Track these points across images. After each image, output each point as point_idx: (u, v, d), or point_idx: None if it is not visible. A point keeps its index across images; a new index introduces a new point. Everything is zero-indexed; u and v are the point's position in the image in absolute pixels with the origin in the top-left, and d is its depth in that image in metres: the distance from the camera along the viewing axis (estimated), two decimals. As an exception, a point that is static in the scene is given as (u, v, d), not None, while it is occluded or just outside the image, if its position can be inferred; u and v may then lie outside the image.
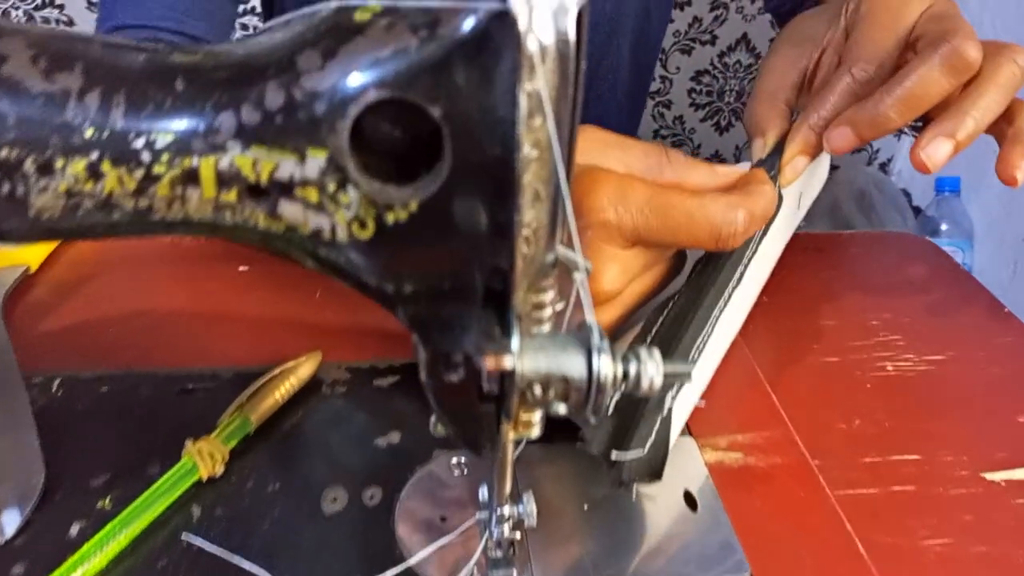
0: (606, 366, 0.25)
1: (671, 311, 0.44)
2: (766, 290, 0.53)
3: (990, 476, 0.44)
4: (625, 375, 0.26)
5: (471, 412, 0.28)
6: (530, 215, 0.24)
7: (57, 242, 0.57)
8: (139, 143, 0.22)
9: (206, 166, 0.22)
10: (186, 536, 0.37)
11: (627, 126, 0.88)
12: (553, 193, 0.24)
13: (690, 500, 0.40)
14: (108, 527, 0.37)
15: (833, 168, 1.44)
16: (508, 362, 0.22)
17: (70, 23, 1.56)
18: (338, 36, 0.22)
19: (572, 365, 0.25)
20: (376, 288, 0.25)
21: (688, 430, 0.45)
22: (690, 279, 0.46)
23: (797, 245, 0.56)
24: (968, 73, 0.44)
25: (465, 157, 0.22)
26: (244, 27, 1.57)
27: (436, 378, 0.26)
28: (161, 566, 0.36)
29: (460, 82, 0.21)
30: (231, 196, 0.23)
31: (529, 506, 0.35)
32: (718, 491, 0.41)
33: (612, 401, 0.40)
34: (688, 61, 1.62)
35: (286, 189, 0.22)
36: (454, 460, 0.41)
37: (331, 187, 0.22)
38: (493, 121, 0.21)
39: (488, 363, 0.22)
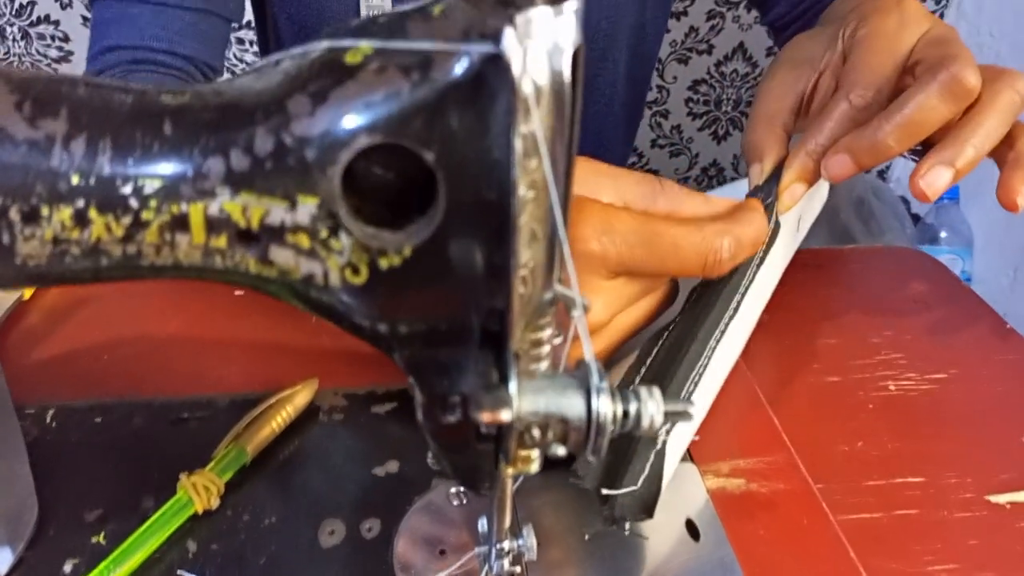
0: (605, 406, 0.25)
1: (666, 341, 0.43)
2: (766, 308, 0.53)
3: (995, 499, 0.43)
4: (625, 414, 0.25)
5: (469, 452, 0.27)
6: (527, 255, 0.23)
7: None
8: (126, 189, 0.21)
9: (195, 212, 0.22)
10: (181, 573, 0.37)
11: (624, 139, 0.88)
12: (550, 232, 0.24)
13: (692, 528, 0.40)
14: (102, 565, 0.36)
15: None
16: (505, 416, 0.21)
17: (65, 39, 1.56)
18: (329, 79, 0.21)
19: (571, 406, 0.25)
20: (370, 331, 0.24)
21: (689, 456, 0.44)
22: (685, 309, 0.45)
23: (797, 261, 0.56)
24: (967, 100, 0.43)
25: (460, 201, 0.21)
26: (240, 40, 1.57)
27: (433, 420, 0.26)
28: (156, 604, 0.36)
29: (454, 126, 0.20)
30: (221, 242, 0.22)
31: (529, 540, 0.34)
32: (720, 518, 0.40)
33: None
34: (685, 70, 1.61)
35: (277, 235, 0.22)
36: (453, 490, 0.41)
37: (323, 233, 0.22)
38: (488, 165, 0.21)
39: (485, 417, 0.21)
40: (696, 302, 0.45)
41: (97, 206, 0.21)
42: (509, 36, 0.19)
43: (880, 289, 0.61)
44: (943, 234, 1.45)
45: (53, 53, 1.58)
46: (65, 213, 0.21)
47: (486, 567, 0.35)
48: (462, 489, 0.41)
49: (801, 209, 0.52)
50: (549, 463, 0.31)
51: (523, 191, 0.22)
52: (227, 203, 0.22)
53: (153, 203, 0.21)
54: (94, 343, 0.52)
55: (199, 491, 0.39)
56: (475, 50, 0.20)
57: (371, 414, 0.47)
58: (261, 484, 0.42)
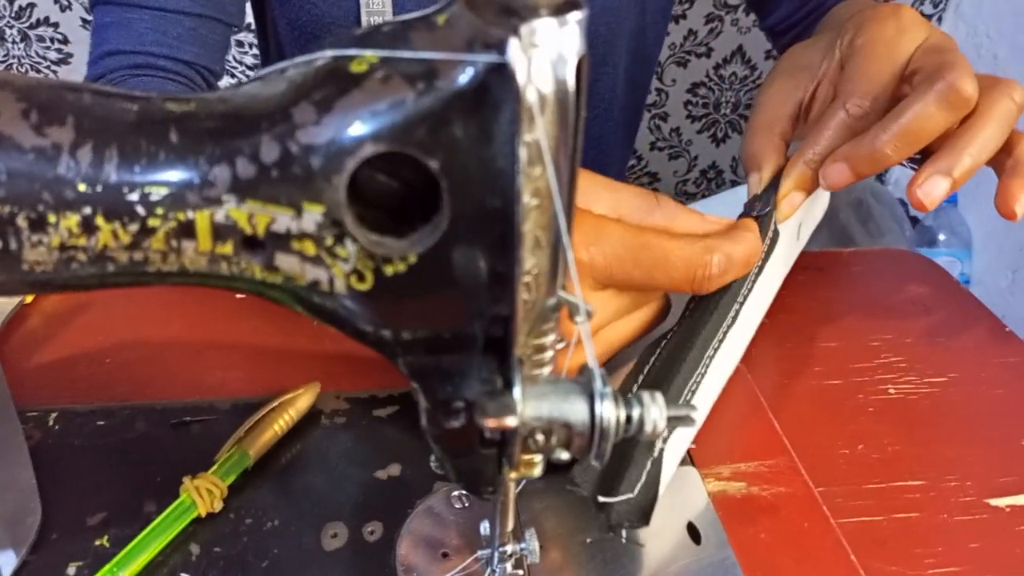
0: (609, 411, 0.25)
1: (664, 350, 0.44)
2: (767, 311, 0.53)
3: (995, 502, 0.43)
4: (628, 419, 0.26)
5: (472, 457, 0.27)
6: (531, 262, 0.23)
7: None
8: (133, 196, 0.21)
9: (201, 219, 0.22)
10: (184, 576, 0.37)
11: (623, 143, 0.88)
12: (554, 239, 0.24)
13: (693, 532, 0.40)
14: (106, 568, 0.36)
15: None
16: (510, 422, 0.22)
17: (65, 41, 1.56)
18: (334, 88, 0.21)
19: (575, 411, 0.25)
20: (374, 337, 0.24)
21: (691, 459, 0.44)
22: (684, 317, 0.45)
23: (797, 264, 0.56)
24: (965, 109, 0.43)
25: (464, 209, 0.21)
26: (240, 43, 1.57)
27: (437, 425, 0.26)
28: (159, 608, 0.36)
29: (458, 135, 0.21)
30: (227, 248, 0.22)
31: (531, 543, 0.35)
32: (721, 522, 0.41)
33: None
34: (684, 73, 1.62)
35: (283, 242, 0.22)
36: (455, 493, 0.41)
37: (328, 241, 0.22)
38: (492, 173, 0.21)
39: (490, 423, 0.21)
40: (695, 310, 0.45)
41: (104, 213, 0.21)
42: (514, 46, 0.19)
43: (880, 292, 0.61)
44: (942, 236, 1.45)
45: (52, 55, 1.58)
46: (72, 220, 0.21)
47: (488, 570, 0.36)
48: (464, 492, 0.41)
49: (801, 217, 0.52)
50: (551, 467, 0.31)
51: (527, 199, 0.22)
52: (233, 210, 0.22)
53: (159, 210, 0.22)
54: (96, 347, 0.53)
55: (202, 494, 0.39)
56: (480, 60, 0.20)
57: (373, 417, 0.47)
58: (263, 487, 0.42)
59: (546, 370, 0.28)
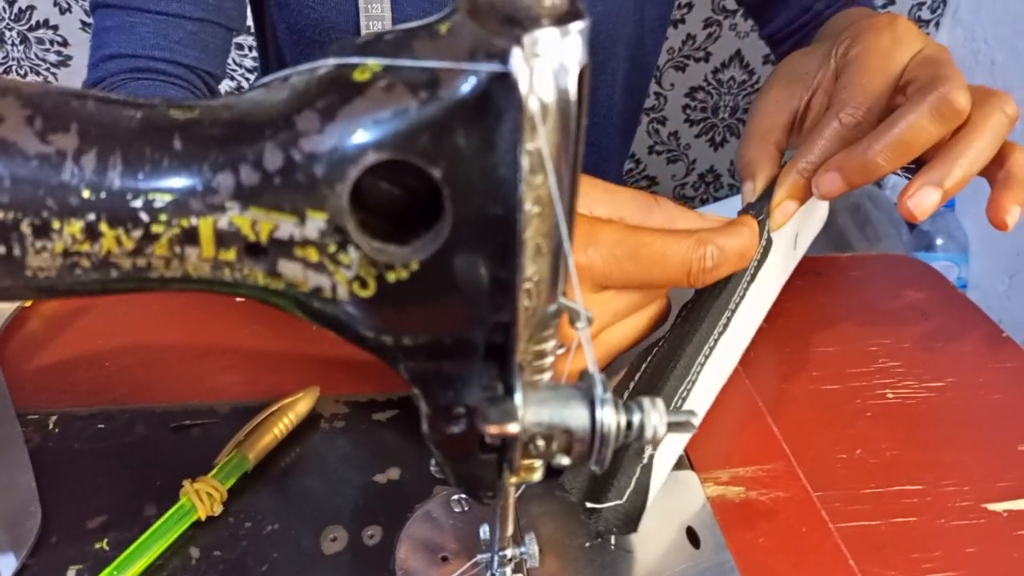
0: (609, 417, 0.25)
1: (654, 357, 0.44)
2: (764, 318, 0.53)
3: (992, 507, 0.43)
4: (628, 425, 0.26)
5: (473, 462, 0.27)
6: (532, 269, 0.24)
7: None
8: (137, 203, 0.22)
9: (205, 226, 0.22)
10: (184, 580, 0.37)
11: (621, 148, 0.88)
12: (555, 246, 0.24)
13: (692, 536, 0.40)
14: (106, 572, 0.36)
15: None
16: (512, 428, 0.22)
17: (64, 43, 1.56)
18: (337, 96, 0.21)
19: (575, 417, 0.25)
20: (375, 343, 0.24)
21: (689, 463, 0.44)
22: (675, 325, 0.46)
23: (795, 269, 0.56)
24: (957, 121, 0.44)
25: (466, 216, 0.21)
26: (239, 46, 1.57)
27: (438, 430, 0.26)
28: (159, 611, 0.36)
29: (461, 143, 0.21)
30: (230, 255, 0.23)
31: (531, 547, 0.35)
32: (720, 526, 0.41)
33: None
34: (682, 78, 1.62)
35: (286, 248, 0.22)
36: (454, 497, 0.41)
37: (331, 248, 0.22)
38: (495, 181, 0.21)
39: (492, 430, 0.21)
40: (686, 318, 0.45)
41: (107, 220, 0.21)
42: (516, 56, 0.20)
43: (877, 297, 0.62)
44: (939, 241, 1.46)
45: (52, 58, 1.58)
46: (76, 227, 0.21)
47: (488, 574, 0.36)
48: (463, 496, 0.41)
49: (797, 226, 0.52)
50: (550, 472, 0.31)
51: (529, 207, 0.22)
52: (236, 217, 0.22)
53: (163, 217, 0.22)
54: (96, 350, 0.53)
55: (202, 498, 0.39)
56: (483, 69, 0.20)
57: (372, 421, 0.47)
58: (263, 491, 0.42)
59: (546, 376, 0.28)
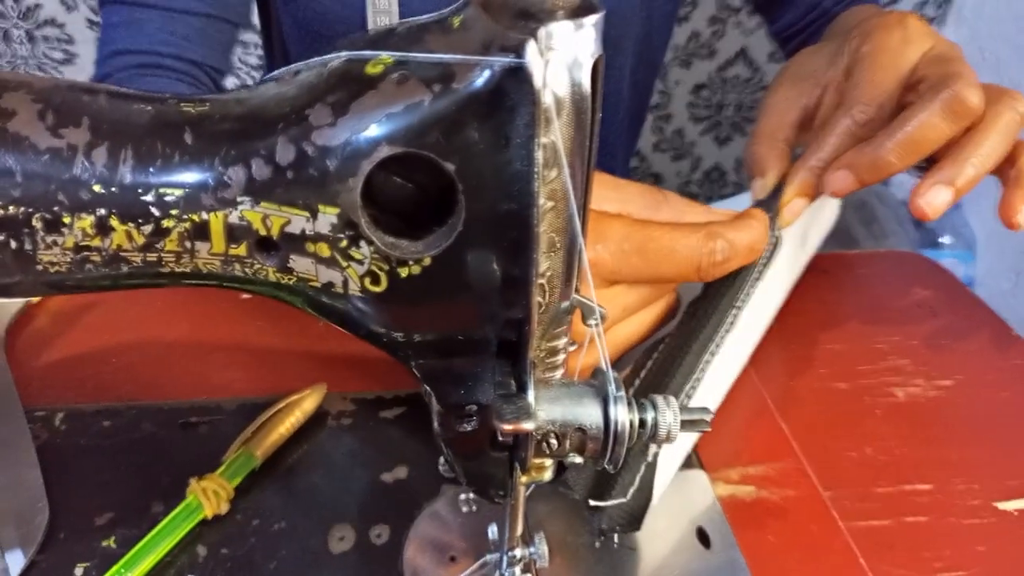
0: (623, 415, 0.25)
1: (660, 354, 0.43)
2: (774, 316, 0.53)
3: (1002, 505, 0.43)
4: (642, 423, 0.26)
5: (483, 460, 0.27)
6: (545, 264, 0.23)
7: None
8: (148, 198, 0.21)
9: (216, 220, 0.22)
10: (192, 578, 0.37)
11: (627, 145, 0.88)
12: (568, 242, 0.24)
13: (702, 535, 0.40)
14: (113, 569, 0.36)
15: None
16: (527, 426, 0.21)
17: (70, 41, 1.56)
18: (349, 90, 0.21)
19: (588, 415, 0.25)
20: (386, 339, 0.24)
21: (699, 462, 0.44)
22: (681, 322, 0.45)
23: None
24: (969, 119, 0.43)
25: (480, 212, 0.21)
26: (244, 44, 1.57)
27: (449, 428, 0.26)
28: (167, 609, 0.36)
29: (474, 137, 0.21)
30: (241, 250, 0.22)
31: (541, 547, 0.34)
32: (730, 525, 0.40)
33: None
34: (688, 75, 1.62)
35: (297, 243, 0.22)
36: (462, 496, 0.41)
37: (343, 243, 0.22)
38: (508, 176, 0.21)
39: (506, 428, 0.21)
40: (692, 315, 0.45)
41: (118, 215, 0.21)
42: (531, 49, 0.19)
43: (886, 294, 0.61)
44: (945, 238, 1.45)
45: (58, 55, 1.58)
46: (87, 221, 0.21)
47: (497, 574, 0.35)
48: (471, 495, 0.41)
49: (806, 225, 0.51)
50: (558, 470, 0.31)
51: (542, 201, 0.22)
52: (248, 212, 0.22)
53: (174, 212, 0.22)
54: (102, 347, 0.52)
55: (209, 496, 0.39)
56: (497, 62, 0.20)
57: (379, 419, 0.47)
58: (270, 489, 0.42)
59: (558, 373, 0.28)
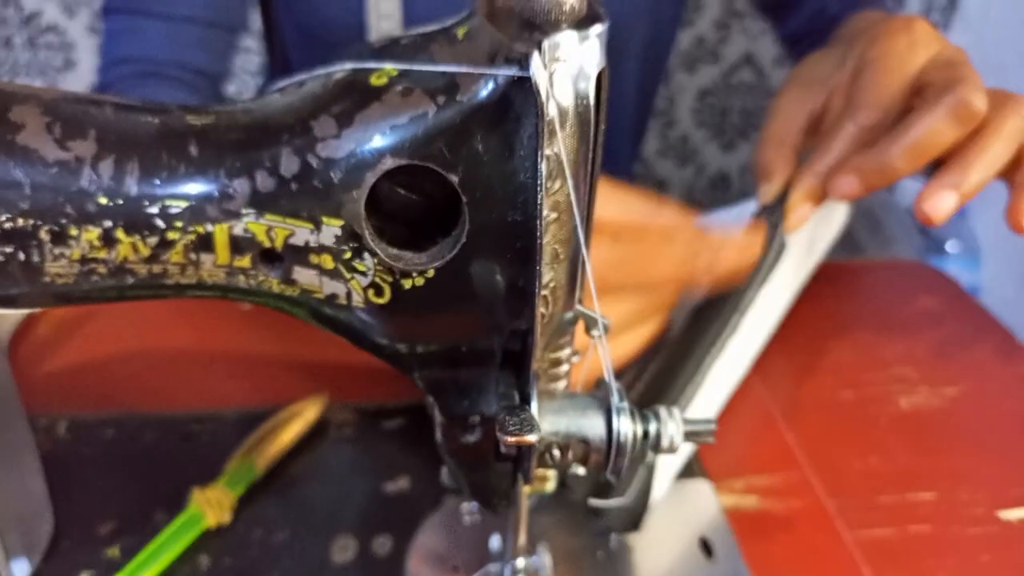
0: (626, 426, 0.25)
1: (662, 358, 0.43)
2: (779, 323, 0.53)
3: (1006, 515, 0.43)
4: (645, 434, 0.26)
5: (487, 471, 0.27)
6: (549, 275, 0.23)
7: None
8: (153, 210, 0.21)
9: (220, 232, 0.22)
10: (195, 587, 0.37)
11: (631, 149, 0.88)
12: (572, 253, 0.24)
13: (706, 546, 0.40)
14: (116, 579, 0.36)
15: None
16: (532, 438, 0.21)
17: (71, 47, 1.56)
18: (354, 101, 0.21)
19: (592, 427, 0.25)
20: (390, 351, 0.24)
21: (703, 472, 0.44)
22: (683, 327, 0.45)
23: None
24: (973, 123, 0.43)
25: (484, 223, 0.21)
26: (246, 50, 1.57)
27: (453, 439, 0.26)
28: (170, 618, 0.36)
29: (479, 149, 0.21)
30: (245, 261, 0.22)
31: (543, 558, 0.34)
32: (734, 535, 0.40)
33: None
34: (692, 80, 1.61)
35: (301, 255, 0.22)
36: (464, 507, 0.41)
37: (347, 254, 0.22)
38: (513, 187, 0.21)
39: (510, 440, 0.21)
40: (695, 320, 0.45)
41: (124, 227, 0.21)
42: (536, 60, 0.19)
43: (891, 303, 0.61)
44: (951, 244, 1.45)
45: (58, 62, 1.58)
46: (93, 233, 0.21)
47: (500, 584, 0.35)
48: (474, 506, 0.41)
49: (812, 230, 0.51)
50: (561, 481, 0.31)
51: (547, 212, 0.22)
52: (252, 224, 0.22)
53: (179, 223, 0.22)
54: (104, 356, 0.53)
55: (212, 505, 0.39)
56: (502, 74, 0.20)
57: (381, 429, 0.47)
58: (272, 499, 0.42)
59: (561, 384, 0.28)
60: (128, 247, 0.22)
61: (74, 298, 0.23)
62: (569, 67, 0.20)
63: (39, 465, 0.42)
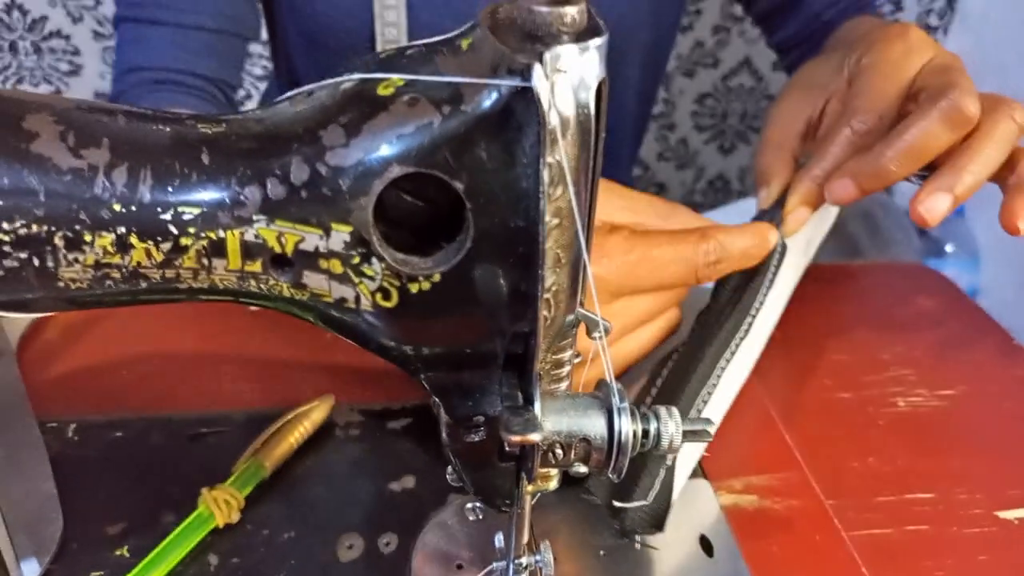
0: (626, 426, 0.25)
1: (674, 363, 0.44)
2: (777, 323, 0.53)
3: (1004, 515, 0.44)
4: (645, 434, 0.26)
5: (491, 470, 0.28)
6: (551, 279, 0.24)
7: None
8: (166, 216, 0.22)
9: (232, 238, 0.22)
10: (203, 586, 0.37)
11: (631, 152, 0.89)
12: (574, 257, 0.24)
13: (706, 544, 0.40)
14: (126, 578, 0.37)
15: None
16: (535, 438, 0.22)
17: (76, 52, 1.57)
18: (361, 111, 0.22)
19: (593, 426, 0.25)
20: (396, 352, 0.25)
21: (703, 472, 0.45)
22: (693, 330, 0.46)
23: (807, 276, 0.56)
24: (967, 127, 0.44)
25: (488, 229, 0.22)
26: (248, 54, 1.58)
27: (457, 439, 0.26)
28: (179, 617, 0.36)
29: (483, 157, 0.21)
30: (256, 266, 0.23)
31: (546, 556, 0.35)
32: (734, 535, 0.41)
33: None
34: (691, 84, 1.62)
35: (311, 260, 0.23)
36: (469, 506, 0.41)
37: (355, 259, 0.22)
38: (516, 194, 0.22)
39: (514, 439, 0.22)
40: (705, 324, 0.46)
41: (138, 233, 0.22)
42: (538, 72, 0.20)
43: (889, 304, 0.62)
44: (949, 247, 1.45)
45: (64, 67, 1.59)
46: (107, 239, 0.22)
47: (503, 582, 0.36)
48: (478, 504, 0.42)
49: (809, 233, 0.52)
50: (565, 479, 0.31)
51: (548, 218, 0.22)
52: (263, 230, 0.22)
53: (191, 229, 0.22)
54: (112, 359, 0.53)
55: (220, 505, 0.40)
56: (505, 84, 0.21)
57: (387, 430, 0.47)
58: (279, 499, 0.42)
59: (563, 385, 0.29)
60: (142, 253, 0.22)
61: (88, 303, 0.23)
62: (570, 78, 0.21)
63: (48, 467, 0.42)
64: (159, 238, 0.22)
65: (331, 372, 0.52)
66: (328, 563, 0.39)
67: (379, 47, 0.65)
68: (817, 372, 0.54)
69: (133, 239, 0.22)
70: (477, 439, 0.26)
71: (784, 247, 0.48)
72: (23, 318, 0.54)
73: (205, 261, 0.23)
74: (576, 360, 0.29)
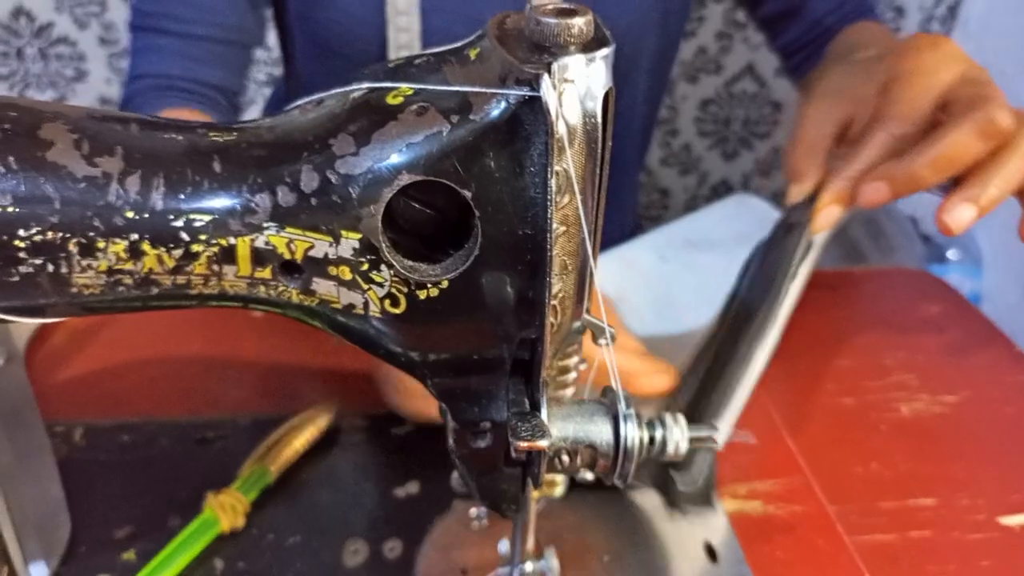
0: (632, 433, 0.26)
1: (703, 370, 0.45)
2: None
3: (1006, 520, 0.44)
4: (651, 440, 0.26)
5: (497, 476, 0.28)
6: (558, 286, 0.24)
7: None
8: (178, 223, 0.22)
9: (242, 245, 0.23)
10: (210, 590, 0.38)
11: (638, 159, 0.89)
12: (580, 264, 0.25)
13: (710, 551, 0.41)
14: (133, 582, 0.37)
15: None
16: (542, 444, 0.22)
17: (82, 58, 1.58)
18: (371, 120, 0.22)
19: (599, 433, 0.26)
20: (404, 358, 0.25)
21: (706, 477, 0.45)
22: (718, 334, 0.47)
23: (810, 283, 0.56)
24: (999, 140, 0.45)
25: (495, 236, 0.22)
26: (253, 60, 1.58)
27: (464, 445, 0.27)
28: (185, 621, 0.37)
29: (491, 166, 0.21)
30: (266, 273, 0.23)
31: (551, 562, 0.35)
32: (738, 540, 0.41)
33: None
34: (695, 90, 1.63)
35: (320, 267, 0.23)
36: (473, 511, 0.41)
37: (364, 266, 0.23)
38: (523, 202, 0.22)
39: (522, 446, 0.22)
40: (732, 326, 0.47)
41: (150, 239, 0.22)
42: (546, 82, 0.20)
43: (892, 311, 0.62)
44: (952, 253, 1.45)
45: (69, 72, 1.60)
46: (120, 246, 0.22)
47: (508, 587, 0.36)
48: (482, 510, 0.42)
49: (824, 235, 0.53)
50: (571, 486, 0.32)
51: (555, 226, 0.23)
52: (273, 236, 0.23)
53: (203, 236, 0.23)
54: (119, 363, 0.53)
55: (226, 510, 0.40)
56: (513, 94, 0.21)
57: (391, 435, 0.48)
58: (285, 504, 0.43)
59: (569, 391, 0.29)
60: (154, 259, 0.23)
61: (100, 309, 0.24)
62: (577, 88, 0.21)
63: (56, 471, 0.43)
64: (171, 245, 0.22)
65: (337, 377, 0.52)
66: (333, 568, 0.39)
67: (392, 53, 0.65)
68: (820, 378, 0.54)
69: (145, 246, 0.22)
70: (483, 445, 0.27)
71: (810, 244, 0.49)
72: (28, 323, 0.55)
73: (216, 267, 0.23)
74: (582, 366, 0.29)
